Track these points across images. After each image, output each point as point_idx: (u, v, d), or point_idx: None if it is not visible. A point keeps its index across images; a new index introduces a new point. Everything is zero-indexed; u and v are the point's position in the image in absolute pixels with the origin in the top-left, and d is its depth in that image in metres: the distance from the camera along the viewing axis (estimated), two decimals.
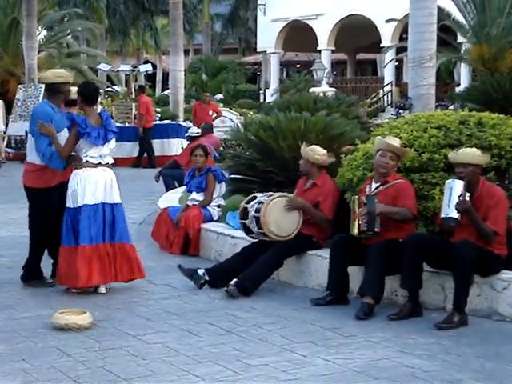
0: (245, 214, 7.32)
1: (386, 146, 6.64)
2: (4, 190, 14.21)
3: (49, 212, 7.25)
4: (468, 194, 6.06)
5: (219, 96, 30.44)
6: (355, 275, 6.76)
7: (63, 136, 7.14)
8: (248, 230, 7.35)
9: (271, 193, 7.49)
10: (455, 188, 6.07)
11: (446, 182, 6.24)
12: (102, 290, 7.06)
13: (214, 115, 19.75)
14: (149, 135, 18.97)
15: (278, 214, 7.16)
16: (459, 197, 6.02)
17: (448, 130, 7.08)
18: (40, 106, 7.87)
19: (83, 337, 5.78)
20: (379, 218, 6.48)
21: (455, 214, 6.05)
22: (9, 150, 20.34)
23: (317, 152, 7.34)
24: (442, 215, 6.15)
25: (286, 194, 7.42)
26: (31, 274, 7.40)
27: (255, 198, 7.39)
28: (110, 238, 7.05)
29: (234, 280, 6.97)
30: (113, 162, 7.24)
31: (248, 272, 7.02)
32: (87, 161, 7.01)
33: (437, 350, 5.48)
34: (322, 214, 7.21)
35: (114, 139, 7.17)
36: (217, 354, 5.38)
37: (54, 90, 7.38)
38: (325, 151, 7.41)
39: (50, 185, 7.23)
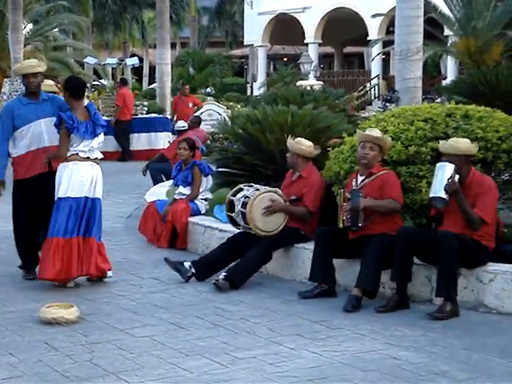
0: (231, 206, 7.32)
1: (365, 137, 6.68)
2: None
3: (19, 204, 7.26)
4: (457, 177, 6.10)
5: (208, 90, 30.22)
6: (345, 269, 6.77)
7: (33, 128, 7.11)
8: (235, 222, 7.35)
9: (257, 186, 7.48)
10: (445, 170, 6.10)
11: (437, 164, 6.26)
12: (71, 284, 7.03)
13: (196, 107, 19.66)
14: (125, 128, 18.84)
15: (264, 210, 7.17)
16: (449, 179, 6.06)
17: (435, 123, 7.09)
18: (10, 101, 7.87)
19: (70, 331, 5.77)
20: (363, 212, 6.50)
21: (443, 195, 6.09)
22: None
23: (302, 144, 7.38)
24: (431, 195, 6.18)
25: (271, 189, 7.42)
26: (22, 262, 7.45)
27: (241, 189, 7.39)
28: (84, 232, 7.01)
29: (223, 273, 6.97)
30: (102, 156, 7.21)
31: (236, 266, 7.03)
32: (77, 153, 6.98)
33: (424, 341, 5.50)
34: (303, 208, 7.23)
35: (102, 133, 7.14)
36: (204, 347, 5.38)
37: (24, 82, 7.33)
38: (310, 143, 7.44)
39: (22, 177, 7.22)
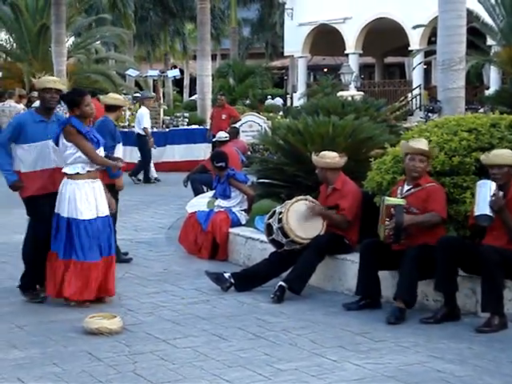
0: (270, 230, 7.33)
1: (414, 150, 6.61)
2: None
3: (40, 220, 6.96)
4: (501, 193, 6.03)
5: (278, 100, 30.18)
6: (387, 280, 6.72)
7: (40, 147, 6.88)
8: (279, 245, 7.32)
9: (287, 201, 7.47)
10: (488, 187, 6.04)
11: (478, 182, 6.21)
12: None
13: (232, 119, 19.33)
14: None
15: (299, 219, 7.21)
16: (492, 196, 5.99)
17: (479, 133, 7.02)
18: (23, 113, 7.73)
19: (113, 341, 5.80)
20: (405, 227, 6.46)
21: (489, 212, 6.01)
22: None
23: (327, 157, 7.39)
24: (476, 213, 6.10)
25: (301, 197, 7.41)
26: (25, 285, 7.14)
27: (275, 211, 7.39)
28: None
29: (279, 284, 6.96)
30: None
31: (292, 273, 7.02)
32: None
33: (468, 354, 5.43)
34: (341, 216, 7.21)
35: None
36: (247, 359, 5.37)
37: (41, 96, 7.08)
38: (335, 154, 7.44)
39: (34, 193, 6.94)
